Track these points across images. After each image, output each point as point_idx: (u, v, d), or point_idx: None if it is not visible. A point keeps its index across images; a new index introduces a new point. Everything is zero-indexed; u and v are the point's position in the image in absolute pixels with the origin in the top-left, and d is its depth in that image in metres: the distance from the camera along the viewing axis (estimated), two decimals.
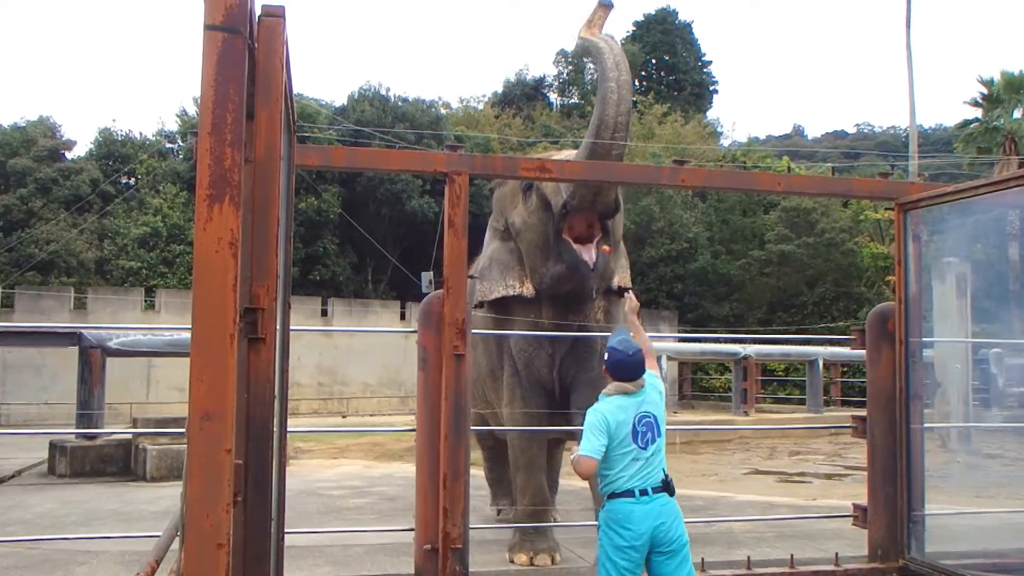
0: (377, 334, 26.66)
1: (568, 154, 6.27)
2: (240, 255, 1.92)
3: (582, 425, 3.97)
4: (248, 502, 2.37)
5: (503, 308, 6.49)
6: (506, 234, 6.55)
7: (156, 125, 39.69)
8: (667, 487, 3.89)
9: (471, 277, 5.92)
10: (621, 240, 6.59)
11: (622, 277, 6.60)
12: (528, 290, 6.24)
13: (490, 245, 6.78)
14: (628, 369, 3.97)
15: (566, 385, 6.39)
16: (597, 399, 4.02)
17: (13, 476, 11.20)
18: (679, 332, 28.09)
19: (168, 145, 31.09)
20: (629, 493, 3.82)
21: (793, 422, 19.58)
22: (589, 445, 3.80)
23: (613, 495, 3.88)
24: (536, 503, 6.30)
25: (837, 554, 5.34)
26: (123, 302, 23.44)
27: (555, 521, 6.68)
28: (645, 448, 3.86)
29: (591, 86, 44.34)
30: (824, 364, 23.52)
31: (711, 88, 50.46)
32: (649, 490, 3.83)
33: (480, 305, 6.52)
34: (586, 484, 6.37)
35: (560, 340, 6.20)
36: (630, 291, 4.32)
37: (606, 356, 4.04)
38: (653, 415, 3.94)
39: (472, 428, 5.35)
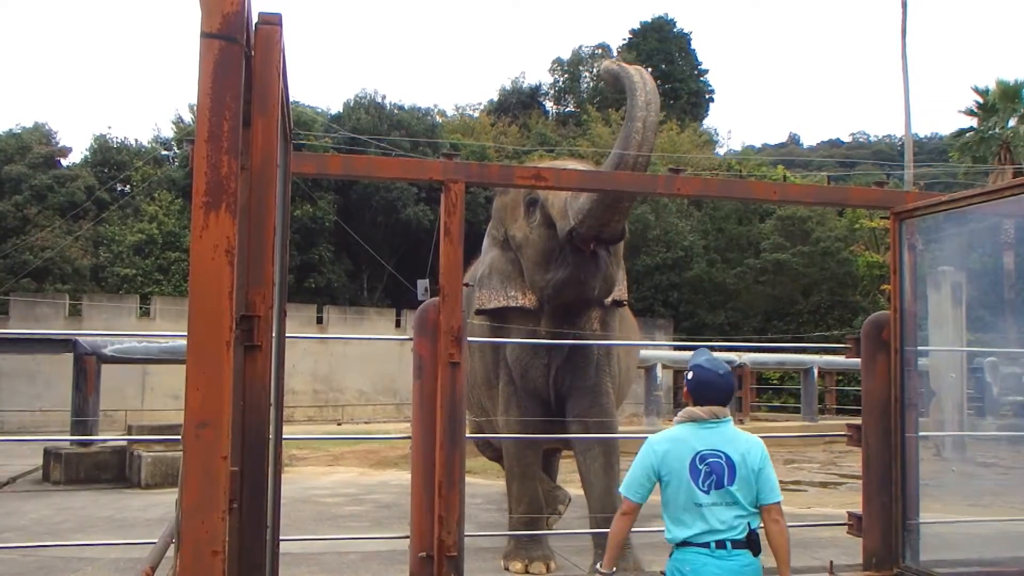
0: (373, 342, 26.58)
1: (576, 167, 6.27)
2: (236, 263, 1.92)
3: (576, 434, 3.89)
4: (243, 509, 2.37)
5: (500, 317, 6.48)
6: (505, 244, 6.53)
7: (152, 132, 39.41)
8: (751, 544, 3.27)
9: (467, 285, 5.92)
10: (621, 257, 6.59)
11: (619, 291, 6.60)
12: (530, 302, 6.23)
13: (489, 252, 6.75)
14: (714, 391, 3.37)
15: (561, 394, 6.37)
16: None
17: (8, 483, 11.16)
18: (674, 340, 28.05)
19: (164, 152, 30.99)
20: (703, 544, 3.23)
21: (788, 430, 19.57)
22: (629, 483, 3.39)
23: (681, 543, 3.29)
24: (531, 511, 6.31)
25: (832, 562, 5.34)
26: (118, 309, 23.36)
27: (550, 529, 6.68)
28: (707, 492, 3.25)
29: (586, 94, 44.37)
30: (819, 373, 23.49)
31: (707, 96, 50.34)
32: (728, 544, 3.22)
33: (478, 312, 6.52)
34: (581, 491, 6.38)
35: (556, 349, 6.19)
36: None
37: (688, 375, 3.46)
38: (726, 455, 3.28)
39: (467, 436, 5.35)
